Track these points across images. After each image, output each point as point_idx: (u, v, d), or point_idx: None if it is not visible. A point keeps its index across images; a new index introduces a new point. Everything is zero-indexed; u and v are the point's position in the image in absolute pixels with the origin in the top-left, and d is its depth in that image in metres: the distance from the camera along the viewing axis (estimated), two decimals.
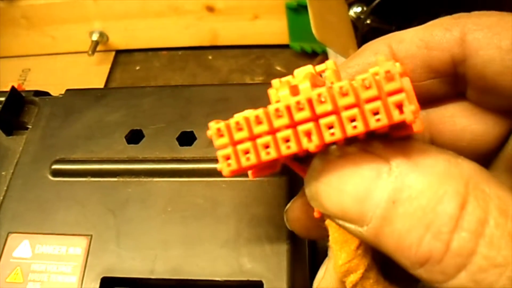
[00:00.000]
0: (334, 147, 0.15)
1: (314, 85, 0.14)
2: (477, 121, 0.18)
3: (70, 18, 0.50)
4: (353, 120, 0.13)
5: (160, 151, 0.27)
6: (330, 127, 0.13)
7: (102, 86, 0.49)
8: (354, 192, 0.14)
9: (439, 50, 0.17)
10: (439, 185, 0.13)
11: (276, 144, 0.14)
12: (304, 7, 0.40)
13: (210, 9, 0.48)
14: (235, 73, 0.49)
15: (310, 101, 0.13)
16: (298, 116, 0.14)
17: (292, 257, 0.23)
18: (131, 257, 0.24)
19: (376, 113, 0.13)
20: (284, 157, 0.14)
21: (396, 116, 0.13)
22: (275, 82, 0.17)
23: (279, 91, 0.14)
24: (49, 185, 0.27)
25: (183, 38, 0.51)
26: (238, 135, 0.14)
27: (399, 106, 0.13)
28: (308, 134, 0.14)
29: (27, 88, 0.33)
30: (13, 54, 0.53)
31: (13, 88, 0.30)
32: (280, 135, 0.14)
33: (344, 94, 0.13)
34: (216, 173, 0.14)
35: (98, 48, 0.51)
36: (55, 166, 0.27)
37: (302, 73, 0.16)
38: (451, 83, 0.18)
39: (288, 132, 0.14)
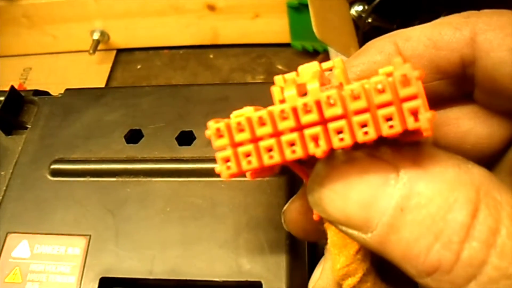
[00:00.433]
0: (339, 151, 0.14)
1: (322, 84, 0.14)
2: (482, 124, 0.18)
3: (71, 17, 0.50)
4: (364, 125, 0.12)
5: (159, 151, 0.27)
6: (339, 132, 0.13)
7: (103, 85, 0.49)
8: (360, 199, 0.13)
9: (448, 50, 0.16)
10: (450, 192, 0.13)
11: (280, 148, 0.13)
12: (305, 6, 0.40)
13: (211, 8, 0.48)
14: (236, 72, 0.49)
15: (318, 104, 0.13)
16: (305, 119, 0.13)
17: (291, 258, 0.23)
18: (129, 257, 0.24)
19: (389, 119, 0.12)
20: (288, 161, 0.13)
21: (411, 124, 0.12)
22: (278, 79, 0.16)
23: (285, 91, 0.13)
24: (48, 185, 0.27)
25: (184, 37, 0.51)
26: (239, 137, 0.14)
27: (414, 113, 0.12)
28: (315, 138, 0.13)
29: (28, 87, 0.33)
30: (14, 53, 0.53)
31: (12, 87, 0.30)
32: (284, 138, 0.13)
33: (356, 98, 0.12)
34: (215, 173, 0.14)
35: (99, 47, 0.50)
36: (54, 166, 0.27)
37: (308, 71, 0.15)
38: (458, 84, 0.17)
39: (294, 136, 0.13)
